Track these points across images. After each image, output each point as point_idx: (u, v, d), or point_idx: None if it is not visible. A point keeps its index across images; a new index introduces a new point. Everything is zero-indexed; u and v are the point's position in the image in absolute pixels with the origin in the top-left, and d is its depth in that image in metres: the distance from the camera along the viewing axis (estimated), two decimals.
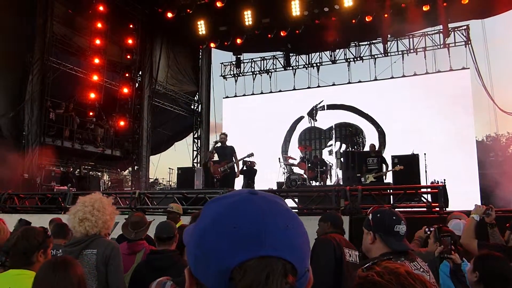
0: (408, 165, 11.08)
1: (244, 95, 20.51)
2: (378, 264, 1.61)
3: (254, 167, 13.29)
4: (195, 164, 20.36)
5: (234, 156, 10.41)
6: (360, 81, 18.42)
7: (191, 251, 0.75)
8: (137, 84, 18.12)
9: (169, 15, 16.57)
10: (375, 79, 18.01)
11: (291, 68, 19.67)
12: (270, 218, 0.72)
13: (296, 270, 0.72)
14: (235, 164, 10.56)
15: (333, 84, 18.94)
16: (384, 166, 11.61)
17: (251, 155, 11.15)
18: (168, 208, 6.32)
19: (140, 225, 4.23)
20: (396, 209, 7.18)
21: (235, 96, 20.75)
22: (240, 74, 20.67)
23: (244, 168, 12.98)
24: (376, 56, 18.12)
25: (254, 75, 20.42)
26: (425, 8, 14.67)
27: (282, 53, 19.71)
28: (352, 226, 6.58)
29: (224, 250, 0.70)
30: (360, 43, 18.37)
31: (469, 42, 16.45)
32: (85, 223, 3.04)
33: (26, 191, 11.42)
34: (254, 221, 0.71)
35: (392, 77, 17.63)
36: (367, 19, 15.44)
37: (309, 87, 19.32)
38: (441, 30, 16.63)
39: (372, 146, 12.31)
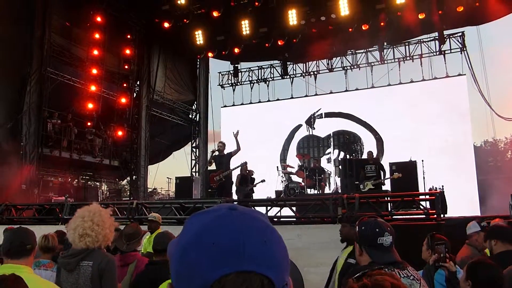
0: (406, 172, 11.10)
1: (242, 104, 20.56)
2: (369, 274, 1.63)
3: (252, 176, 13.27)
4: (194, 174, 20.34)
5: (238, 150, 10.35)
6: (357, 89, 18.48)
7: (173, 266, 0.77)
8: (135, 94, 18.16)
9: (166, 25, 16.64)
10: (372, 87, 18.08)
11: (288, 76, 19.73)
12: (249, 233, 0.74)
13: (274, 284, 0.73)
14: (232, 172, 10.58)
15: (331, 92, 19.01)
16: (382, 173, 11.62)
17: (245, 163, 11.17)
18: (150, 217, 6.44)
19: (134, 237, 4.22)
20: (393, 217, 7.18)
21: (233, 105, 20.79)
22: (238, 83, 20.72)
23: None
24: (372, 64, 18.20)
25: (251, 84, 20.48)
26: (420, 16, 14.76)
27: (279, 61, 19.79)
28: None
29: (203, 265, 0.71)
30: (356, 51, 18.45)
31: (464, 49, 16.56)
32: (85, 239, 3.03)
33: (24, 201, 11.39)
34: (233, 237, 0.72)
35: (389, 85, 17.70)
36: (363, 28, 15.53)
37: (306, 95, 19.38)
38: (437, 37, 16.76)
39: (370, 153, 12.30)
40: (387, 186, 11.57)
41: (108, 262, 3.11)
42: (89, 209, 3.18)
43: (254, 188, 12.62)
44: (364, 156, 16.13)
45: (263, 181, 11.84)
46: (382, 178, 11.46)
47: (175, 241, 0.80)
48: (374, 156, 12.96)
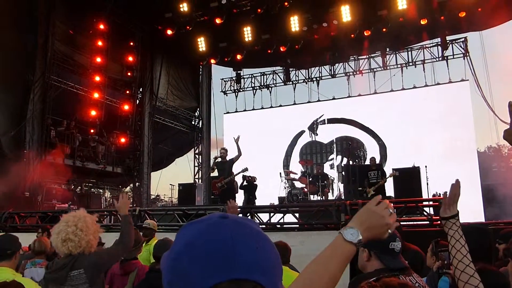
0: (409, 178, 11.07)
1: (244, 110, 20.57)
2: (381, 281, 1.60)
3: (255, 182, 13.24)
4: (197, 180, 20.33)
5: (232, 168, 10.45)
6: (360, 95, 18.46)
7: (165, 275, 0.77)
8: (137, 101, 18.20)
9: (169, 32, 16.72)
10: (375, 93, 18.06)
11: (291, 82, 19.74)
12: (240, 241, 0.74)
13: None
14: (234, 179, 10.59)
15: (333, 98, 19.00)
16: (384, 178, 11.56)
17: (245, 170, 11.15)
18: (145, 224, 6.38)
19: (134, 244, 4.19)
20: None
21: (236, 111, 20.81)
22: (241, 90, 20.74)
23: (245, 183, 12.95)
24: (375, 70, 18.18)
25: (254, 90, 20.50)
26: (423, 22, 14.78)
27: (282, 68, 19.81)
28: None
29: (195, 274, 0.71)
30: (359, 57, 18.45)
31: (467, 54, 16.52)
32: (68, 243, 2.98)
33: (27, 209, 11.40)
34: (224, 245, 0.73)
35: (392, 90, 17.68)
36: (365, 34, 15.56)
37: (309, 102, 19.37)
38: (439, 43, 16.74)
39: (373, 159, 12.27)
40: (390, 192, 11.52)
41: (96, 253, 3.10)
42: (74, 214, 3.14)
43: (248, 186, 12.66)
44: (367, 162, 16.12)
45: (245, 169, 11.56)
46: (381, 182, 11.39)
47: (167, 253, 0.80)
48: (377, 162, 12.93)
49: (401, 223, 7.37)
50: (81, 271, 3.00)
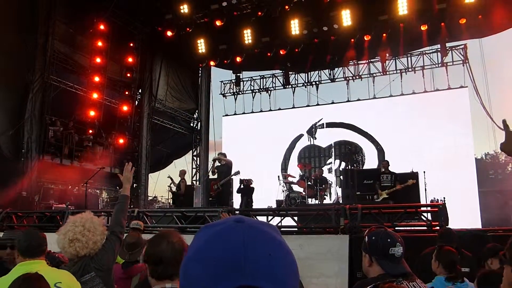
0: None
1: (243, 113, 20.57)
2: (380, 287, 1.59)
3: (251, 185, 13.20)
4: (194, 182, 20.30)
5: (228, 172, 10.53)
6: (359, 99, 18.48)
7: (180, 280, 0.77)
8: (136, 102, 18.16)
9: (169, 33, 16.72)
10: (374, 97, 18.08)
11: (290, 86, 19.74)
12: (252, 247, 0.72)
13: None
14: (229, 181, 10.65)
15: (332, 102, 19.03)
16: (397, 183, 11.37)
17: (237, 173, 11.15)
18: (133, 225, 6.34)
19: (136, 246, 4.14)
20: (396, 228, 7.17)
21: (235, 114, 20.81)
22: (240, 92, 20.75)
23: (241, 186, 12.93)
24: (374, 75, 18.21)
25: (253, 93, 20.50)
26: (423, 28, 14.81)
27: (281, 71, 19.82)
28: (352, 245, 6.54)
29: (203, 280, 0.71)
30: (358, 62, 18.47)
31: (466, 61, 16.56)
32: (75, 244, 2.95)
33: (25, 209, 11.37)
34: (235, 251, 0.72)
35: (391, 96, 17.71)
36: (365, 38, 15.59)
37: (308, 105, 19.38)
38: (439, 49, 16.78)
39: (386, 163, 11.94)
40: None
41: (101, 253, 3.06)
42: (81, 216, 3.13)
43: (245, 189, 12.69)
44: (366, 166, 16.17)
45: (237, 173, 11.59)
46: (396, 187, 11.20)
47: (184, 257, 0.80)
48: (377, 167, 12.91)
49: (400, 228, 7.40)
50: (92, 274, 2.98)
